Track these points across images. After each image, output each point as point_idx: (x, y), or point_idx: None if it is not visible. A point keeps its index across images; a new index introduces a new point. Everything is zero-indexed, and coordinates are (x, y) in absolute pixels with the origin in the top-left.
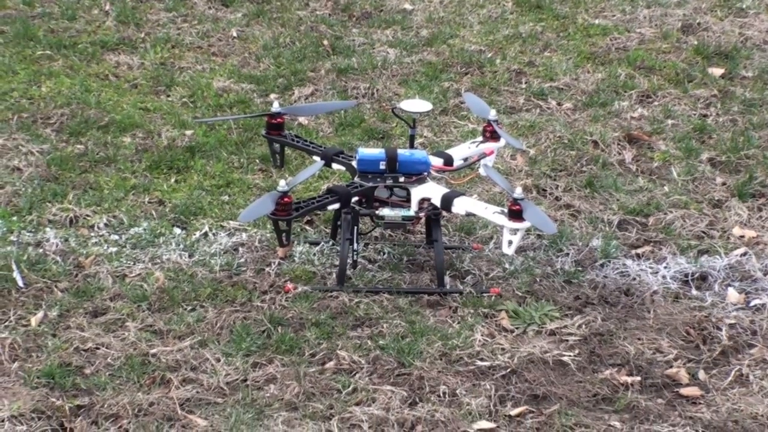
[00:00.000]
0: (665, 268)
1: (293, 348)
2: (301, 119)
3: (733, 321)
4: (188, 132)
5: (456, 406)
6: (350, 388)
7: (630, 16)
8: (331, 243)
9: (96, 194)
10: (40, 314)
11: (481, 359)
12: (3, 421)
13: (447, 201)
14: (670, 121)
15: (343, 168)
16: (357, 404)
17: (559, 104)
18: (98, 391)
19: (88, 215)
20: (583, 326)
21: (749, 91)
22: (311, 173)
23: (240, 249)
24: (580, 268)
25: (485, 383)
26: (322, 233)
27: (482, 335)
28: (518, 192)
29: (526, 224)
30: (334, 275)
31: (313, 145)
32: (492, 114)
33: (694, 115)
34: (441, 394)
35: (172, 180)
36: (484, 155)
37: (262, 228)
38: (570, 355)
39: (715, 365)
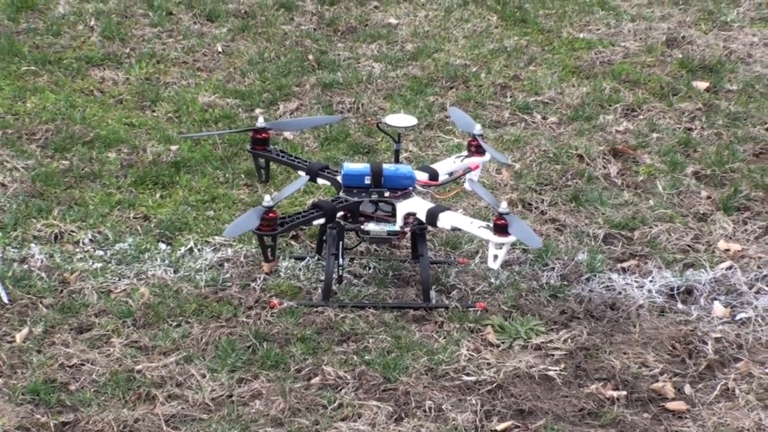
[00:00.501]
0: (651, 282)
1: (279, 363)
2: (287, 134)
3: (718, 335)
4: (173, 147)
5: (442, 421)
6: (336, 404)
7: (614, 30)
8: (316, 258)
9: (81, 210)
10: (25, 330)
11: (467, 374)
12: None
13: (432, 216)
14: (655, 135)
15: (328, 183)
16: (342, 420)
17: (544, 118)
18: (83, 408)
19: (73, 231)
20: (569, 340)
21: (734, 104)
22: (296, 188)
23: (225, 264)
24: (565, 283)
25: (471, 398)
26: (307, 248)
27: (468, 350)
28: (503, 206)
29: (511, 239)
30: (320, 290)
31: (298, 159)
32: (477, 128)
33: (679, 128)
34: (427, 409)
35: (158, 195)
36: (469, 170)
37: (247, 243)
38: (556, 370)
39: (700, 379)
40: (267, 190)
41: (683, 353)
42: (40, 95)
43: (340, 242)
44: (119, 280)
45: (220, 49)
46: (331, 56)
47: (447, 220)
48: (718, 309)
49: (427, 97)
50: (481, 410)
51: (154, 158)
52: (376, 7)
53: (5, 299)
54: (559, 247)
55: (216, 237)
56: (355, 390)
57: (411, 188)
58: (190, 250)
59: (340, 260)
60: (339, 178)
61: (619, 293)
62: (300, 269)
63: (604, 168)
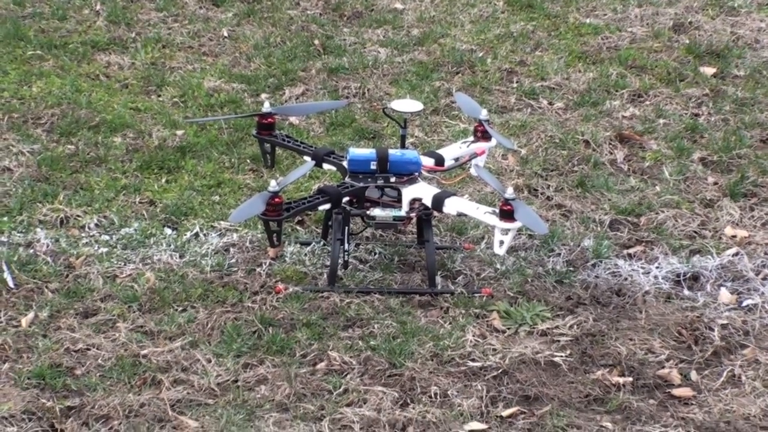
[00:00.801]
0: (657, 268)
1: (284, 349)
2: (292, 119)
3: (725, 321)
4: (179, 132)
5: (447, 406)
6: (341, 389)
7: (621, 15)
8: (322, 243)
9: (87, 194)
10: (30, 315)
11: (473, 360)
12: None
13: (438, 201)
14: (661, 121)
15: (334, 168)
16: (348, 405)
17: (550, 104)
18: (89, 392)
19: (78, 215)
20: (575, 327)
21: (741, 90)
22: (302, 173)
23: (231, 249)
24: (571, 269)
25: (477, 384)
26: (313, 233)
27: (474, 336)
28: (509, 192)
29: (517, 224)
30: (325, 276)
31: (303, 145)
32: (483, 114)
33: (686, 114)
34: (432, 395)
35: (163, 180)
36: (475, 155)
37: (252, 228)
38: (561, 356)
39: (707, 366)
40: (272, 176)
41: (689, 339)
42: (46, 80)
43: (346, 227)
44: (125, 264)
45: (225, 34)
46: (337, 41)
47: (453, 206)
48: (725, 295)
49: (433, 82)
50: (486, 396)
51: (160, 143)
52: None
53: (11, 283)
54: (565, 233)
55: (221, 222)
56: (360, 375)
57: (417, 173)
58: (196, 235)
59: (346, 245)
60: (345, 164)
61: (625, 279)
62: (305, 254)
63: (611, 154)
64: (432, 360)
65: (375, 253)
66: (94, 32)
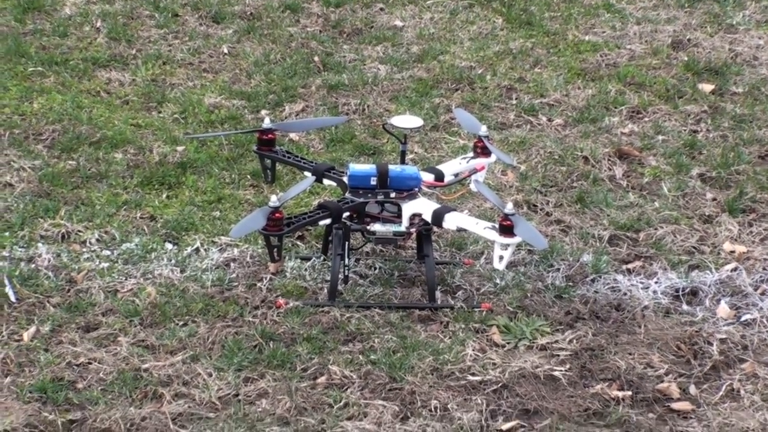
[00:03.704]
0: (656, 283)
1: (285, 363)
2: (292, 135)
3: (724, 336)
4: (180, 148)
5: (447, 420)
6: (342, 403)
7: (620, 33)
8: (322, 258)
9: (88, 210)
10: (32, 329)
11: (473, 374)
12: None
13: (438, 216)
14: (660, 137)
15: (334, 184)
16: (349, 419)
17: (549, 120)
18: (90, 406)
19: (80, 231)
20: (574, 341)
21: (739, 106)
22: (302, 189)
23: (231, 264)
24: (570, 284)
25: (476, 398)
26: (313, 248)
27: (473, 350)
28: (509, 207)
29: (516, 239)
30: (326, 290)
31: (304, 160)
32: (483, 130)
33: (685, 130)
34: (432, 409)
35: (164, 196)
36: (475, 171)
37: (253, 243)
38: (561, 370)
39: (706, 380)
40: (273, 191)
41: (688, 354)
42: (47, 96)
43: (346, 243)
44: (126, 279)
45: (225, 51)
46: (337, 58)
47: (452, 221)
48: (723, 310)
49: (433, 98)
50: (486, 410)
51: (161, 159)
52: (381, 9)
53: (13, 298)
54: (565, 248)
55: (222, 237)
56: (360, 389)
57: (417, 189)
58: (197, 250)
59: (346, 260)
60: (345, 179)
61: (625, 294)
62: (306, 269)
63: (610, 170)
64: (432, 374)
65: (375, 268)
66: (95, 49)
